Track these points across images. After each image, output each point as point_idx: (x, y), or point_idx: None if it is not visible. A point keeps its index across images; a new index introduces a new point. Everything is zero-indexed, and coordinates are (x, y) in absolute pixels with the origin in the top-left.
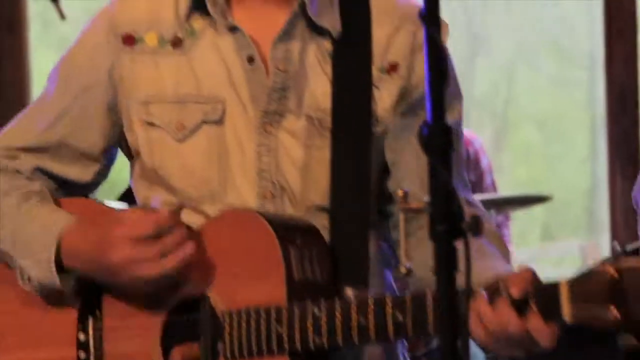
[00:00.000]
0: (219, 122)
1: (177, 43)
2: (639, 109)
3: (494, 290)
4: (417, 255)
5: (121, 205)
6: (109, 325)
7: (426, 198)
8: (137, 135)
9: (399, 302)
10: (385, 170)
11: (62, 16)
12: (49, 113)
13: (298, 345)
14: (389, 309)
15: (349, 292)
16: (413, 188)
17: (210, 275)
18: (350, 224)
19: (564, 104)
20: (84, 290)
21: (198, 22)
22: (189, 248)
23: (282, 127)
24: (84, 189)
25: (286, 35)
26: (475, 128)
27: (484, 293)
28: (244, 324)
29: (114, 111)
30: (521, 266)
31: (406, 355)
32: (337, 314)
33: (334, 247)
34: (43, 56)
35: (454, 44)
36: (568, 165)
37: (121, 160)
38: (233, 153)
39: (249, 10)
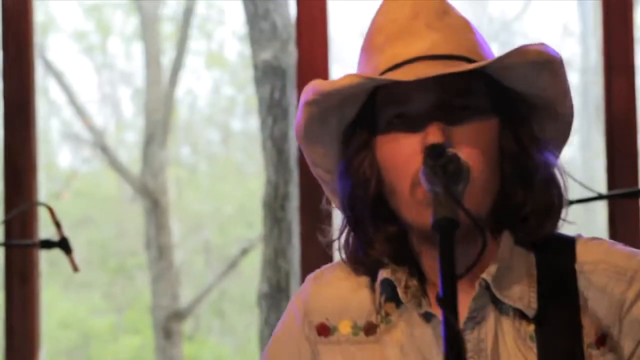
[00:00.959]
0: None
1: (370, 330)
2: None
3: None
4: None
5: None
6: None
7: None
8: None
9: None
10: None
11: (75, 268)
12: None
13: None
14: None
15: None
16: None
17: None
18: None
19: None
20: None
21: (392, 309)
22: None
23: None
24: None
25: (471, 320)
26: None
27: None
28: None
29: None
30: None
31: None
32: None
33: None
34: (49, 293)
35: None
36: None
37: None
38: None
39: None
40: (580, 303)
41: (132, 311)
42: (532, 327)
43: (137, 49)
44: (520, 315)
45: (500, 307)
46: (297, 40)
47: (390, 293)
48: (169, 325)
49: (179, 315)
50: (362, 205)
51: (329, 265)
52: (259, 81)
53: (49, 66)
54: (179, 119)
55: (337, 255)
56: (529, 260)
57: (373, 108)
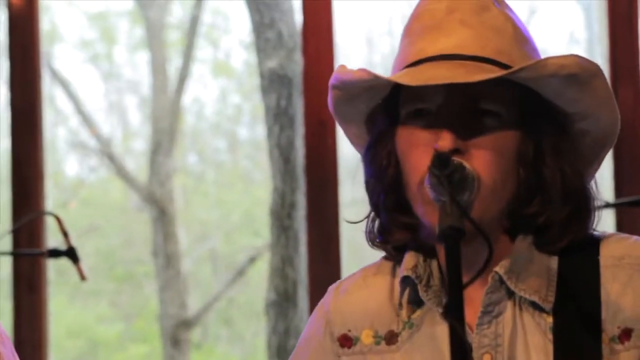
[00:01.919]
0: None
1: (391, 339)
2: None
3: None
4: None
5: None
6: None
7: None
8: None
9: None
10: None
11: (83, 277)
12: None
13: None
14: None
15: None
16: None
17: None
18: None
19: None
20: None
21: (414, 312)
22: None
23: None
24: None
25: (487, 314)
26: None
27: None
28: None
29: None
30: None
31: None
32: None
33: None
34: (57, 302)
35: None
36: None
37: None
38: None
39: None
40: (602, 297)
41: (139, 319)
42: (551, 320)
43: (143, 57)
44: (540, 309)
45: (519, 302)
46: (303, 49)
47: (412, 295)
48: (177, 333)
49: (186, 324)
50: (379, 192)
51: (350, 274)
52: (265, 89)
53: (55, 75)
54: (185, 127)
55: (344, 262)
56: (551, 260)
57: (397, 98)
